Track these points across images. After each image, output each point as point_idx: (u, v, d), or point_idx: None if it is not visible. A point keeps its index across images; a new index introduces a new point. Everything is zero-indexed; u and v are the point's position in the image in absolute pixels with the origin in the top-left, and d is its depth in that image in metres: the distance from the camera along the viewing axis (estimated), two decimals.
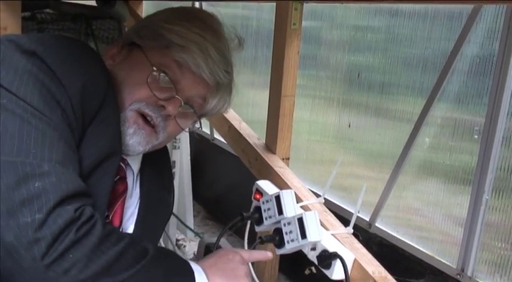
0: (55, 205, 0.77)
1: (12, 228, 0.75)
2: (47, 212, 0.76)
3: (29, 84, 0.82)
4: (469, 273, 1.93)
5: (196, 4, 3.07)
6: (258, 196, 1.29)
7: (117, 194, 1.06)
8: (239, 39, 1.11)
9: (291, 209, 1.15)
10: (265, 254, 1.12)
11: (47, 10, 1.89)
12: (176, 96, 1.02)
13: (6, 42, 0.87)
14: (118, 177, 1.05)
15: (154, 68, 1.01)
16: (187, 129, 1.13)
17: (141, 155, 1.13)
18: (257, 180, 1.35)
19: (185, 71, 1.03)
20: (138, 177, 1.13)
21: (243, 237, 1.31)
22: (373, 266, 1.10)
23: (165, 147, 1.27)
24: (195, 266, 0.97)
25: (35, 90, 0.82)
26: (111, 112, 0.95)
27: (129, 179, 1.10)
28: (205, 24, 1.06)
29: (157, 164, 1.18)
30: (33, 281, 0.77)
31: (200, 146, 3.68)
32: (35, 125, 0.81)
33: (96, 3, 1.89)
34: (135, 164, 1.12)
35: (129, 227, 1.10)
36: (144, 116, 1.01)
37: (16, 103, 0.80)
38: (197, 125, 1.14)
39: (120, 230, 1.08)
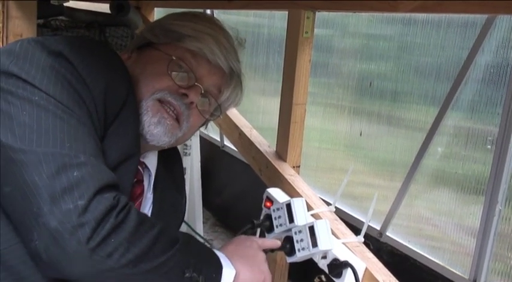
0: (95, 193, 0.80)
1: (55, 215, 0.77)
2: (88, 199, 0.78)
3: (58, 83, 0.85)
4: None
5: (208, 12, 3.09)
6: (268, 204, 1.29)
7: (134, 197, 1.06)
8: (239, 39, 1.15)
9: (302, 217, 1.14)
10: (275, 243, 1.15)
11: (61, 17, 1.91)
12: (196, 83, 1.05)
13: (33, 42, 0.89)
14: (135, 180, 1.05)
15: (174, 57, 1.03)
16: (206, 117, 1.14)
17: (156, 158, 1.14)
18: (267, 187, 1.35)
19: (200, 60, 1.06)
20: (152, 181, 1.14)
21: None
22: (384, 275, 1.09)
23: (178, 152, 1.27)
24: (219, 253, 1.00)
25: (63, 89, 0.85)
26: (131, 113, 0.96)
27: (145, 182, 1.11)
28: (211, 21, 1.13)
29: (170, 168, 1.19)
30: (77, 266, 0.79)
31: (210, 153, 3.68)
32: (67, 121, 0.83)
33: (110, 11, 1.91)
34: (152, 167, 1.12)
35: None
36: (166, 107, 1.02)
37: (47, 100, 0.83)
38: (217, 114, 1.16)
39: None
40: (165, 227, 0.90)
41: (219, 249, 1.03)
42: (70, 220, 0.77)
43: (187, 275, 0.89)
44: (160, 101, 1.01)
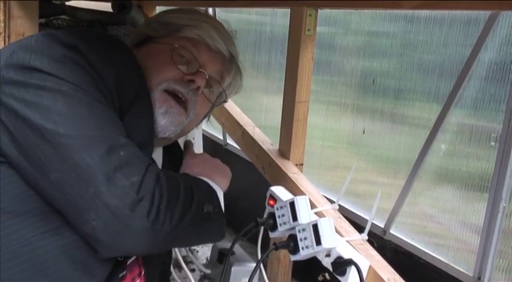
0: (146, 168, 0.86)
1: (114, 193, 0.81)
2: (142, 174, 0.85)
3: (80, 73, 0.87)
4: (485, 281, 1.90)
5: (210, 10, 3.08)
6: (271, 202, 1.29)
7: None
8: (230, 31, 1.18)
9: (305, 216, 1.14)
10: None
11: (63, 16, 1.91)
12: (200, 69, 1.07)
13: (48, 36, 0.90)
14: None
15: (176, 45, 1.06)
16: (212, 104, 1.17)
17: (161, 154, 1.15)
18: (270, 185, 1.35)
19: (200, 47, 1.09)
20: None
21: (256, 243, 1.31)
22: (388, 273, 1.09)
23: (181, 150, 1.28)
24: (205, 179, 1.07)
25: (86, 79, 0.87)
26: (145, 106, 0.99)
27: None
28: (204, 12, 1.19)
29: (173, 166, 1.19)
30: (141, 239, 0.83)
31: (213, 151, 3.65)
32: (99, 107, 0.87)
33: (112, 9, 1.91)
34: (159, 161, 1.14)
35: None
36: (173, 97, 1.04)
37: (75, 89, 0.85)
38: (223, 98, 1.20)
39: None
40: (178, 176, 0.97)
41: (191, 170, 1.10)
42: (129, 196, 0.81)
43: (205, 210, 0.97)
44: (167, 92, 1.03)
